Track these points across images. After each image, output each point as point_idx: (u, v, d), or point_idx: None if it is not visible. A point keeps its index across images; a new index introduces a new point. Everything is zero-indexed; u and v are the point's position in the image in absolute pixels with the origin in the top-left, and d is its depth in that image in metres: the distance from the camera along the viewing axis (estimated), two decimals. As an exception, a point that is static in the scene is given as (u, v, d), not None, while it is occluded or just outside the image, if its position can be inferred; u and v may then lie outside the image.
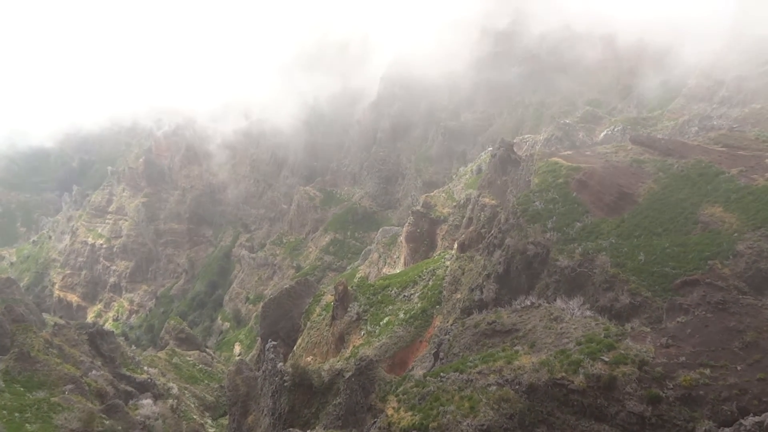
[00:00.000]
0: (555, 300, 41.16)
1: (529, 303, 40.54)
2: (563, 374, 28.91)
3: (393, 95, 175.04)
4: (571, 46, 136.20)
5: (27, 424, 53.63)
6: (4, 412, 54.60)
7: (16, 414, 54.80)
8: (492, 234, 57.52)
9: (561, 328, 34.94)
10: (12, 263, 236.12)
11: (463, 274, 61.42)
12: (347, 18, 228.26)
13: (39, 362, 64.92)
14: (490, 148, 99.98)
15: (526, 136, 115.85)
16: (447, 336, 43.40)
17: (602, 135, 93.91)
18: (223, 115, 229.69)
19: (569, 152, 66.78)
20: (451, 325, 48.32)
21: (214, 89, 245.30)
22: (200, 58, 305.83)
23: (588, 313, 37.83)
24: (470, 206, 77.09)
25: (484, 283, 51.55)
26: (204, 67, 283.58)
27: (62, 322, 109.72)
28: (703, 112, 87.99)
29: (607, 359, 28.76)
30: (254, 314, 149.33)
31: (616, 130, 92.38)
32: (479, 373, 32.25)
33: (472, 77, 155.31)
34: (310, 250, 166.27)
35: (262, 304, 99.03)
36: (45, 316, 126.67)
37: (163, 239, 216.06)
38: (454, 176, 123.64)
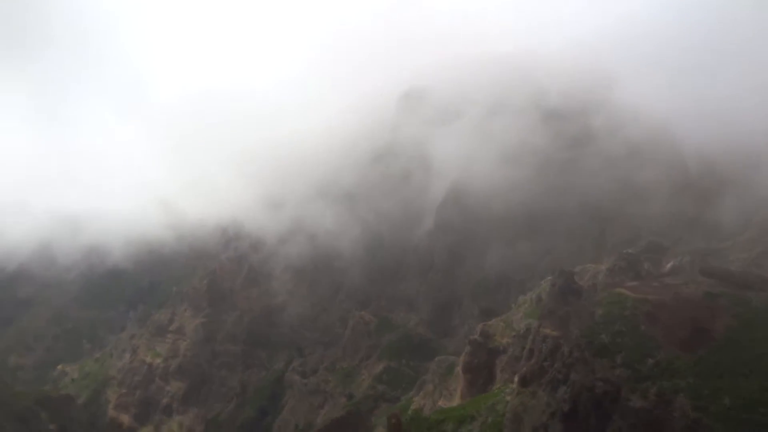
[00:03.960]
0: (630, 446, 37.35)
1: (601, 449, 36.94)
2: None
3: (450, 224, 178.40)
4: (635, 172, 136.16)
5: None
6: None
7: None
8: (555, 368, 54.36)
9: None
10: (74, 379, 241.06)
11: (525, 410, 57.35)
12: (411, 149, 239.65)
13: (84, 486, 63.39)
14: (550, 278, 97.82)
15: (587, 265, 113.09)
16: (509, 482, 39.59)
17: (669, 266, 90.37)
18: (289, 237, 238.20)
19: (635, 283, 64.44)
20: (514, 469, 44.23)
21: (284, 215, 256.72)
22: (270, 184, 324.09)
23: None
24: (531, 337, 73.97)
25: (549, 423, 47.81)
26: (273, 191, 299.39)
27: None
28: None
29: None
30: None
31: (684, 261, 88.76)
32: None
33: (530, 207, 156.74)
34: (363, 377, 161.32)
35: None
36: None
37: (218, 360, 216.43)
38: (512, 305, 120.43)
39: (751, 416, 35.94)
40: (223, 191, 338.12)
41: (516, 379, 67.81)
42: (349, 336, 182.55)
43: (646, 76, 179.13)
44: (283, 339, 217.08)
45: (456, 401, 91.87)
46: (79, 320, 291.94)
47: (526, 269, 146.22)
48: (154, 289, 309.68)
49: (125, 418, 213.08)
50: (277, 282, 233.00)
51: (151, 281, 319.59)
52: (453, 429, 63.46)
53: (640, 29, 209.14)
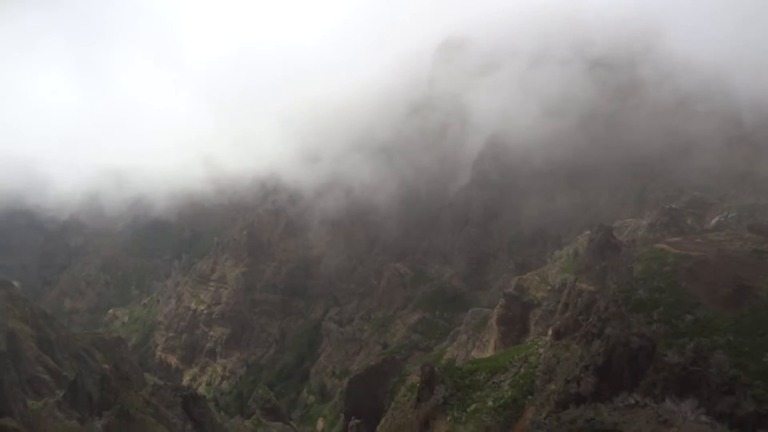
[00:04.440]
0: (663, 400, 37.37)
1: (633, 401, 37.11)
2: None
3: (487, 178, 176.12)
4: (683, 124, 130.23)
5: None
6: (102, 466, 57.14)
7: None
8: (590, 322, 54.20)
9: (671, 433, 31.49)
10: (124, 323, 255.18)
11: (558, 363, 57.78)
12: (448, 102, 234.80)
13: (136, 421, 67.98)
14: (588, 232, 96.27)
15: (627, 220, 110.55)
16: (540, 430, 40.44)
17: (714, 222, 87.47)
18: (326, 191, 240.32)
19: (676, 239, 62.81)
20: (545, 418, 45.08)
21: (321, 168, 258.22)
22: (308, 137, 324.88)
23: (704, 418, 33.90)
24: (566, 291, 73.69)
25: (582, 375, 48.05)
26: (311, 145, 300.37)
27: (160, 383, 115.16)
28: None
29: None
30: (339, 390, 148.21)
31: (730, 216, 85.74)
32: (576, 475, 29.49)
33: (571, 162, 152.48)
34: (398, 327, 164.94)
35: (347, 379, 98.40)
36: (146, 375, 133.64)
37: (258, 308, 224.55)
38: (548, 259, 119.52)
39: (792, 374, 35.36)
40: (262, 145, 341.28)
41: (550, 332, 68.11)
42: (384, 287, 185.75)
43: (698, 23, 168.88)
44: (320, 289, 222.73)
45: (489, 352, 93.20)
46: (127, 268, 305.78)
47: (564, 224, 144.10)
48: (196, 240, 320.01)
49: (173, 360, 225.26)
50: (314, 234, 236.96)
51: (193, 232, 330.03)
52: (485, 379, 64.62)
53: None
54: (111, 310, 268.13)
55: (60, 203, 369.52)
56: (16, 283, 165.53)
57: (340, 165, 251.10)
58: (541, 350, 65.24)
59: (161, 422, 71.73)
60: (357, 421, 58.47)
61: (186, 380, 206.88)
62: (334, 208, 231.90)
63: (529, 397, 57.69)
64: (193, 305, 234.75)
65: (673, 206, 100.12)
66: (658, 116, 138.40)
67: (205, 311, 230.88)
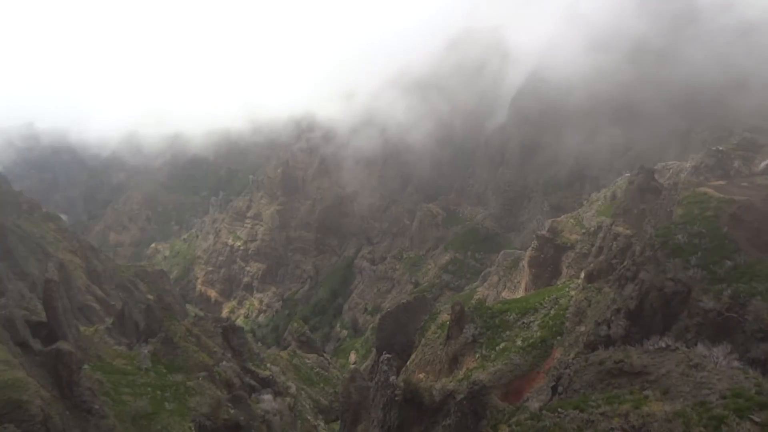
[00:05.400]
0: (695, 345, 36.98)
1: (663, 345, 36.83)
2: (701, 429, 25.80)
3: (524, 116, 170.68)
4: (742, 58, 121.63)
5: (166, 402, 59.55)
6: (149, 389, 61.16)
7: (158, 392, 61.12)
8: (624, 266, 53.44)
9: (701, 378, 31.26)
10: (165, 257, 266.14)
11: (589, 305, 57.72)
12: (488, 35, 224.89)
13: (180, 348, 71.93)
14: (628, 174, 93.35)
15: (669, 162, 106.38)
16: (567, 370, 40.85)
17: (763, 165, 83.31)
18: (360, 129, 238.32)
19: (721, 182, 60.35)
20: (573, 359, 45.45)
21: (356, 106, 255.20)
22: (343, 75, 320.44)
23: (736, 363, 33.42)
24: (601, 234, 72.52)
25: (613, 318, 47.91)
26: (346, 82, 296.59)
27: (201, 314, 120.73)
28: None
29: (758, 419, 25.15)
30: (371, 325, 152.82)
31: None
32: (602, 414, 29.85)
33: (615, 99, 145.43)
34: (430, 267, 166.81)
35: (379, 316, 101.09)
36: (188, 307, 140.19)
37: (292, 245, 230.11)
38: (584, 202, 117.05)
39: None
40: (298, 83, 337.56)
41: (582, 274, 67.69)
42: (416, 227, 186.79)
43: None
44: (353, 228, 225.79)
45: (519, 294, 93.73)
46: (166, 204, 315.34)
47: (603, 165, 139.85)
48: (232, 177, 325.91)
49: (212, 293, 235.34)
50: (348, 173, 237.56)
51: (229, 170, 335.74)
52: (515, 319, 65.32)
53: None
54: (153, 245, 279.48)
55: (101, 140, 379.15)
56: (64, 217, 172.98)
57: (375, 101, 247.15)
58: (572, 293, 65.12)
59: (203, 350, 75.73)
60: (388, 355, 60.38)
61: (225, 312, 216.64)
62: (368, 146, 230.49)
63: (558, 338, 58.17)
64: (230, 241, 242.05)
65: (720, 148, 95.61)
66: (714, 49, 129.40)
67: (242, 247, 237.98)
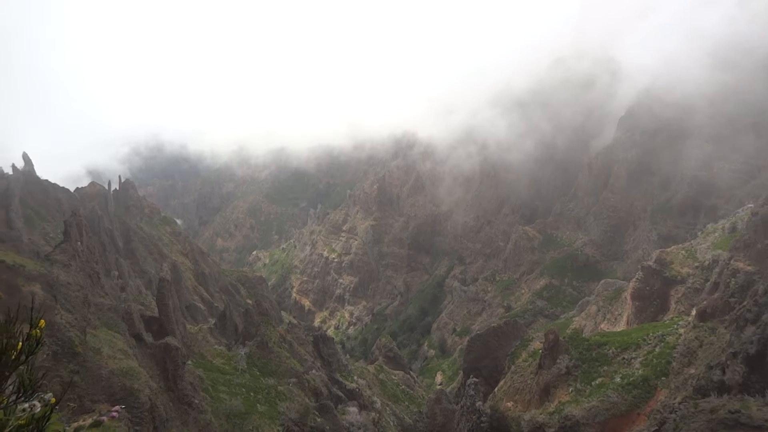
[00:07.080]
0: (830, 402, 32.68)
1: (790, 398, 32.92)
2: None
3: (634, 136, 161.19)
4: None
5: (258, 404, 62.17)
6: (243, 389, 64.22)
7: (252, 393, 64.00)
8: (745, 306, 48.52)
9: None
10: (265, 264, 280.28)
11: (700, 346, 52.92)
12: (597, 50, 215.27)
13: (273, 353, 74.95)
14: (751, 205, 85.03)
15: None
16: (673, 415, 37.67)
17: None
18: (459, 146, 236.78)
19: None
20: (680, 403, 41.81)
21: (455, 123, 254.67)
22: (445, 92, 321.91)
23: None
24: (718, 269, 66.45)
25: (729, 363, 43.54)
26: (448, 100, 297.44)
27: (295, 321, 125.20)
28: None
29: None
30: (459, 347, 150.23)
31: None
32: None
33: (740, 120, 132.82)
34: (523, 291, 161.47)
35: (468, 338, 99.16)
36: (283, 313, 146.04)
37: (384, 261, 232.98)
38: (699, 233, 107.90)
39: None
40: (399, 101, 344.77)
41: (694, 312, 62.27)
42: (511, 249, 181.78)
43: None
44: (445, 246, 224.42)
45: (620, 327, 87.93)
46: (269, 213, 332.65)
47: (722, 193, 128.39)
48: (331, 191, 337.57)
49: (306, 302, 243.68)
50: (444, 190, 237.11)
51: (328, 183, 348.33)
52: (615, 354, 61.20)
53: None
54: (254, 252, 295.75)
55: (215, 152, 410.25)
56: (179, 221, 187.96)
57: (475, 119, 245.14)
58: (682, 330, 60.06)
59: (294, 357, 78.40)
60: (475, 380, 58.97)
61: (317, 322, 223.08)
62: (466, 164, 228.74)
63: (663, 378, 53.79)
64: (325, 253, 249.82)
65: None
66: None
67: (336, 259, 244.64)
